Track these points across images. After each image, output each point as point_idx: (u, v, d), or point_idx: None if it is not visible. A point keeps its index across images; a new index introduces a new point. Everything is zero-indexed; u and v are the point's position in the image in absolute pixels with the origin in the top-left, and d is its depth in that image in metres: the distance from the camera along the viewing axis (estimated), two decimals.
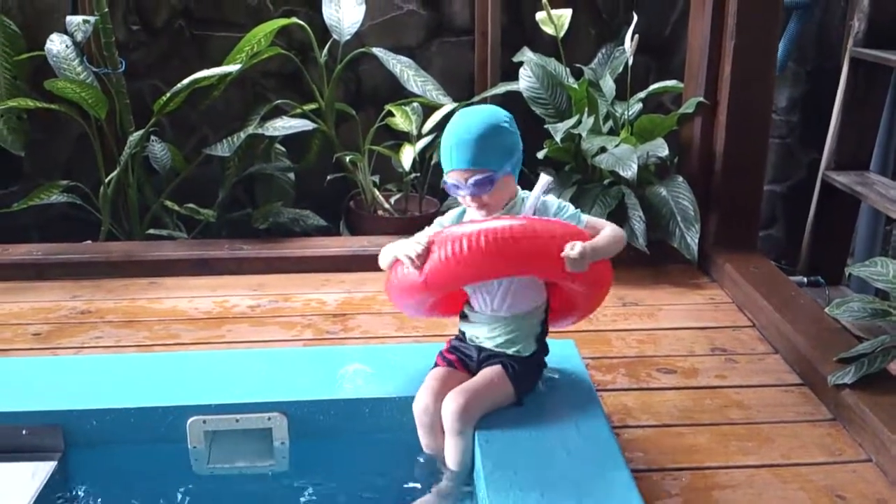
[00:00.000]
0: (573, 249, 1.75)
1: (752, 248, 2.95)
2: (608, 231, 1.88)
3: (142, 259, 3.02)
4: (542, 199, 1.89)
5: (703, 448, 1.94)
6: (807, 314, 2.45)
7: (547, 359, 2.02)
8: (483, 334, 1.97)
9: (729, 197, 2.95)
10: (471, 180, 1.80)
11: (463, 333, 2.01)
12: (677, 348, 2.43)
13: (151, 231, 3.36)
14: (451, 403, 1.83)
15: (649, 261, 2.88)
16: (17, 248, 3.08)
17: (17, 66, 3.35)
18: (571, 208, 1.91)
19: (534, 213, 1.87)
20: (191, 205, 3.38)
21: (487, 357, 1.95)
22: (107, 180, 3.25)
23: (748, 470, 1.85)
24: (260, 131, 3.16)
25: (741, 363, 2.34)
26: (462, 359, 1.99)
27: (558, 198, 2.65)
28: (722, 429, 2.02)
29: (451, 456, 1.85)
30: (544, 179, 1.90)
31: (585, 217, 1.91)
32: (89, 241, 3.32)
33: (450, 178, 1.84)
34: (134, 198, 3.36)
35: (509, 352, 1.94)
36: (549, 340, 1.99)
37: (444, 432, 1.88)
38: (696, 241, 2.82)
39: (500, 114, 1.88)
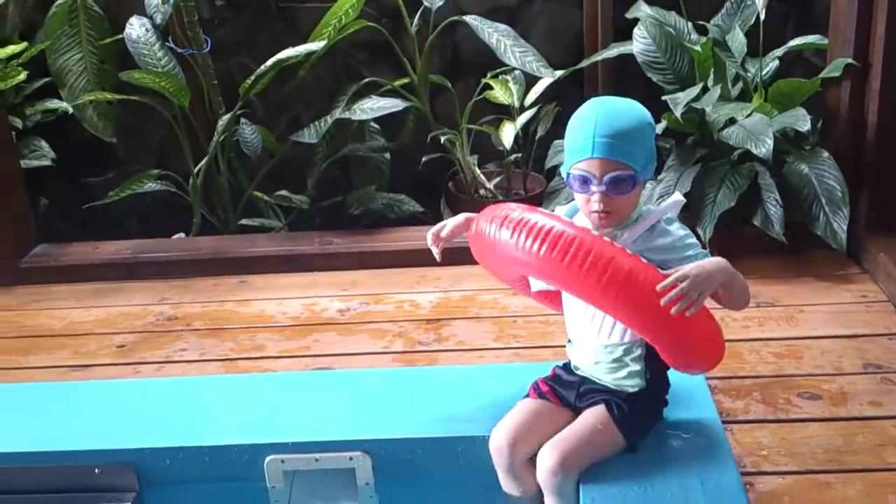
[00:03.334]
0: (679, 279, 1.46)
1: None
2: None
3: (231, 256, 2.88)
4: (664, 224, 1.57)
5: None
6: None
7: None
8: (582, 362, 1.71)
9: (883, 174, 2.53)
10: (609, 175, 1.50)
11: (569, 360, 1.76)
12: (822, 364, 2.08)
13: (244, 221, 3.22)
14: (547, 459, 1.58)
15: (787, 248, 2.51)
16: (107, 247, 2.99)
17: (103, 50, 3.22)
18: (695, 247, 1.57)
19: (641, 240, 1.56)
20: (283, 192, 3.23)
21: (589, 391, 1.69)
22: (196, 170, 3.10)
23: None
24: (347, 115, 2.93)
25: None
26: (557, 390, 1.72)
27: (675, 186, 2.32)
28: (878, 477, 1.69)
29: None
30: (676, 199, 1.61)
31: None
32: (181, 235, 3.21)
33: (579, 170, 1.53)
34: (225, 185, 3.21)
35: (611, 386, 1.66)
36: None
37: (527, 475, 1.65)
38: (845, 227, 2.43)
39: (644, 110, 1.58)
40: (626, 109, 1.55)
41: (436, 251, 1.80)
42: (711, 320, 1.56)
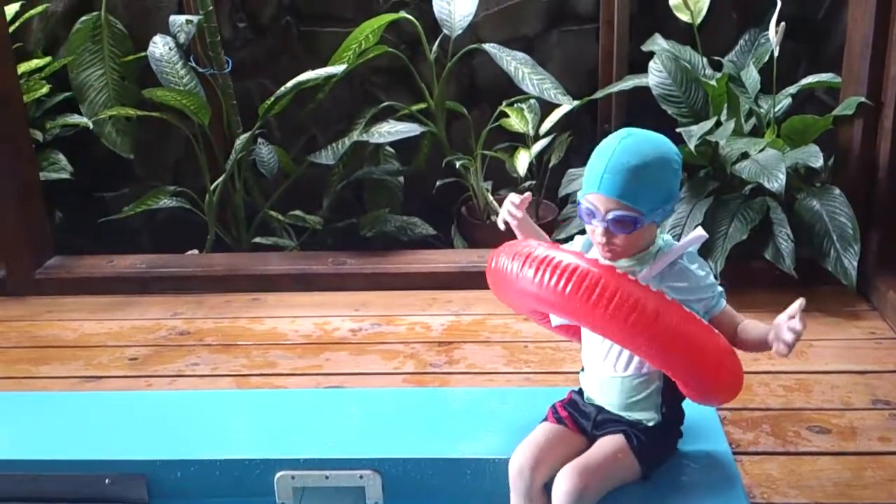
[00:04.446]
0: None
1: None
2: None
3: (245, 274, 2.89)
4: (685, 262, 1.58)
5: None
6: None
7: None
8: (595, 393, 1.72)
9: (894, 213, 2.55)
10: (612, 214, 1.51)
11: (581, 389, 1.77)
12: (831, 399, 2.09)
13: (258, 240, 3.24)
14: (565, 483, 1.58)
15: (797, 283, 2.52)
16: (122, 260, 3.01)
17: (125, 67, 3.27)
18: (714, 287, 1.60)
19: (660, 278, 1.57)
20: (297, 212, 3.25)
21: (605, 421, 1.70)
22: (212, 187, 3.14)
23: None
24: (364, 138, 2.97)
25: None
26: (575, 416, 1.73)
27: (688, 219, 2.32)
28: None
29: None
30: (698, 234, 1.60)
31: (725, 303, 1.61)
32: (195, 251, 3.23)
33: (587, 202, 1.54)
34: (240, 204, 3.24)
35: (629, 419, 1.68)
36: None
37: (541, 500, 1.65)
38: (855, 264, 2.44)
39: (672, 150, 1.55)
40: (648, 147, 1.52)
41: (516, 213, 1.72)
42: (732, 353, 1.58)
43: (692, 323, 1.50)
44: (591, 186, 1.53)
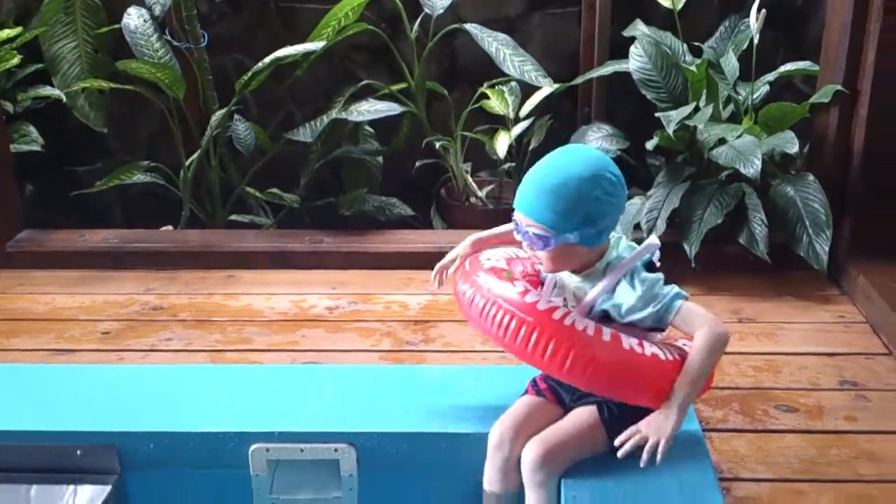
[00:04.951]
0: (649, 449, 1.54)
1: (892, 259, 2.57)
2: (701, 341, 1.53)
3: (220, 250, 2.88)
4: (627, 281, 1.55)
5: None
6: None
7: None
8: None
9: (867, 200, 2.58)
10: (526, 229, 1.54)
11: None
12: (800, 379, 2.13)
13: (234, 217, 3.22)
14: (530, 452, 1.60)
15: (770, 268, 2.56)
16: (95, 235, 2.98)
17: (98, 39, 3.23)
18: (661, 297, 1.55)
19: (605, 296, 1.57)
20: (274, 190, 3.23)
21: (584, 393, 1.71)
22: (187, 163, 3.11)
23: None
24: (343, 116, 2.95)
25: (874, 401, 2.03)
26: (555, 388, 1.74)
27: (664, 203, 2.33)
28: (849, 488, 1.74)
29: None
30: (648, 244, 1.58)
31: (682, 303, 1.55)
32: (169, 227, 3.20)
33: (515, 214, 1.58)
34: (216, 181, 3.21)
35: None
36: None
37: (515, 473, 1.65)
38: (827, 250, 2.48)
39: (601, 172, 1.51)
40: (572, 169, 1.51)
41: (436, 283, 1.78)
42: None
43: (632, 360, 1.52)
44: (514, 199, 1.57)
